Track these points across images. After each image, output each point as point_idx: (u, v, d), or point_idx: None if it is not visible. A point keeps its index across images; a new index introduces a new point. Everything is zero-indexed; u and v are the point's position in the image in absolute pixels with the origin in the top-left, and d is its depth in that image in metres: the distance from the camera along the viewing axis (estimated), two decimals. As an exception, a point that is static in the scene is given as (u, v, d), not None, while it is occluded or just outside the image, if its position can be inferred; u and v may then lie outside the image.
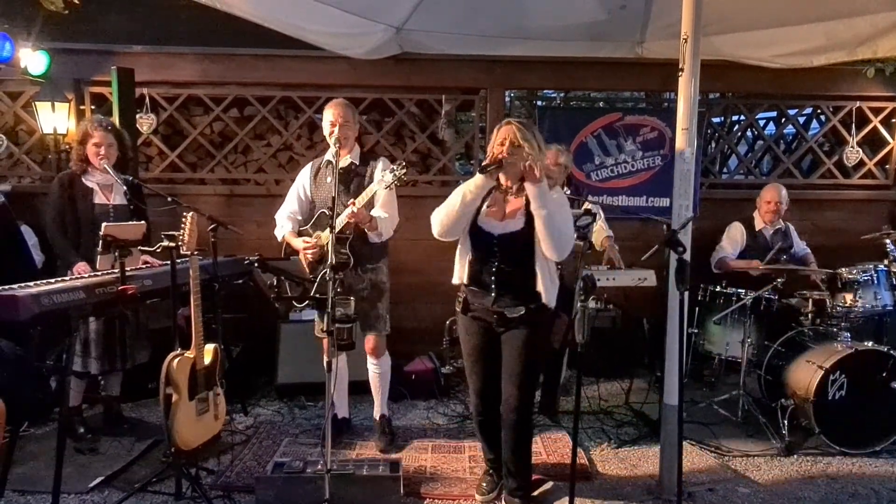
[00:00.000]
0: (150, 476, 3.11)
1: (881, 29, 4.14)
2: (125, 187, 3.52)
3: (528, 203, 2.67)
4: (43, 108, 4.37)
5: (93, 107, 4.81)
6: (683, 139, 2.88)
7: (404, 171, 3.11)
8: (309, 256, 3.45)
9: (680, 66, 2.86)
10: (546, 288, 2.73)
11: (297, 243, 3.48)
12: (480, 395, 2.96)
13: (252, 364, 4.47)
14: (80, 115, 4.68)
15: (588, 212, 3.47)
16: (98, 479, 3.10)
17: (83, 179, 3.54)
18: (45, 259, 4.15)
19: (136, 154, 4.39)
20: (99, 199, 3.55)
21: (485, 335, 2.84)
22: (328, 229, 3.26)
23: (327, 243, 3.24)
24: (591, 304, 3.91)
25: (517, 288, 2.72)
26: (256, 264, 2.69)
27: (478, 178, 2.67)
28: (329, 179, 2.82)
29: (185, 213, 2.81)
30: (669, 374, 2.98)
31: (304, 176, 3.60)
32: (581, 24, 4.62)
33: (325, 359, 3.57)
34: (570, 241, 2.72)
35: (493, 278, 2.72)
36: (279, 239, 3.58)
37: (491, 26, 4.75)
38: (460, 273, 2.86)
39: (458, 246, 2.87)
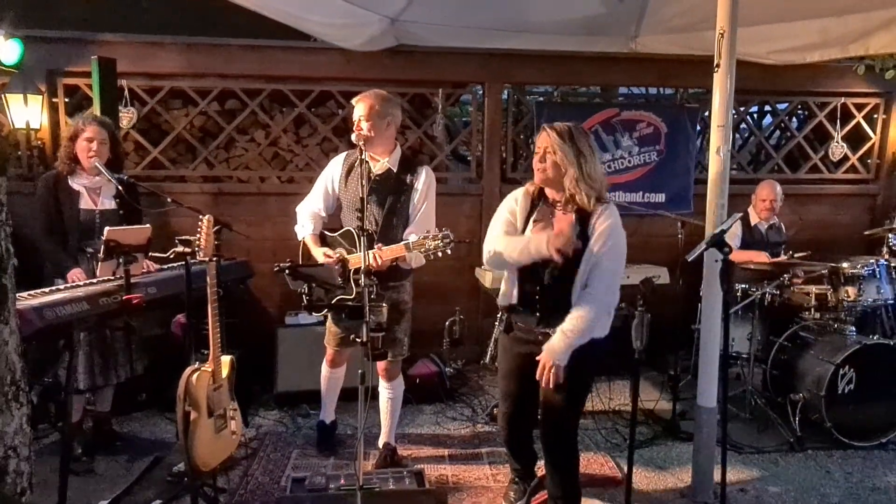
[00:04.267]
0: (157, 497, 2.91)
1: (873, 26, 4.21)
2: (117, 189, 3.21)
3: (577, 220, 2.47)
4: (14, 100, 4.02)
5: (66, 99, 4.47)
6: (719, 136, 2.81)
7: (450, 242, 2.76)
8: None
9: (716, 63, 2.78)
10: None
11: (318, 254, 3.08)
12: (509, 418, 2.81)
13: (248, 371, 4.25)
14: (52, 108, 4.34)
15: None
16: (102, 504, 2.87)
17: (70, 181, 3.22)
18: (17, 263, 3.82)
19: (121, 151, 4.09)
20: (85, 203, 3.22)
21: (525, 358, 2.61)
22: (353, 251, 2.98)
23: (352, 270, 2.95)
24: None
25: (563, 310, 2.49)
26: (287, 271, 2.48)
27: (542, 248, 2.41)
28: (360, 182, 2.54)
29: (200, 217, 2.58)
30: (705, 376, 2.93)
31: (334, 169, 3.21)
32: (580, 17, 4.56)
33: (325, 368, 3.45)
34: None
35: (537, 297, 2.54)
36: (298, 238, 3.20)
37: (488, 19, 4.64)
38: (508, 292, 2.64)
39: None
